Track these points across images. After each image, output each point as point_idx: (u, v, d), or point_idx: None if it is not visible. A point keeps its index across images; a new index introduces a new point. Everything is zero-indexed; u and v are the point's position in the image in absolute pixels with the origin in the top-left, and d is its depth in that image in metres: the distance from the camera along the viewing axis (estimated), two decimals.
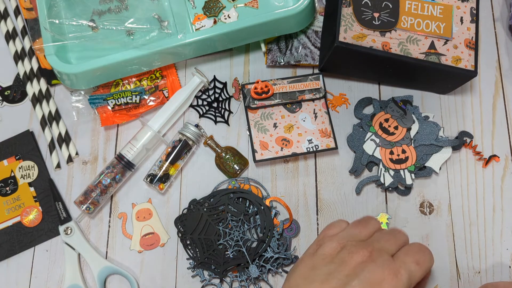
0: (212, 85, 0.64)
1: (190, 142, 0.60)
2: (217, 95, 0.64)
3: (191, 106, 0.63)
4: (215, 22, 0.62)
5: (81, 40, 0.58)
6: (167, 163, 0.59)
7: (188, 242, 0.57)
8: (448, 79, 0.60)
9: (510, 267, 0.57)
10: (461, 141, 0.60)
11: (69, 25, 0.59)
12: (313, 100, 0.62)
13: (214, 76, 0.64)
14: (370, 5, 0.57)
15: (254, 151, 0.59)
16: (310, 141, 0.59)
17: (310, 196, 0.60)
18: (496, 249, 0.57)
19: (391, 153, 0.59)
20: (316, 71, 0.64)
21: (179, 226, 0.57)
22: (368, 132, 0.60)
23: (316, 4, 0.63)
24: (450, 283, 0.56)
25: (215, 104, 0.63)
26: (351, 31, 0.56)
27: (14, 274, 0.58)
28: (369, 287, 0.36)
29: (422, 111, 0.63)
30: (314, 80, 0.61)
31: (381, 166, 0.59)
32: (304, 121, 0.60)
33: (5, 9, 0.68)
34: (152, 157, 0.62)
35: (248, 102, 0.60)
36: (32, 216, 0.60)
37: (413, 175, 0.59)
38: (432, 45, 0.57)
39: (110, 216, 0.60)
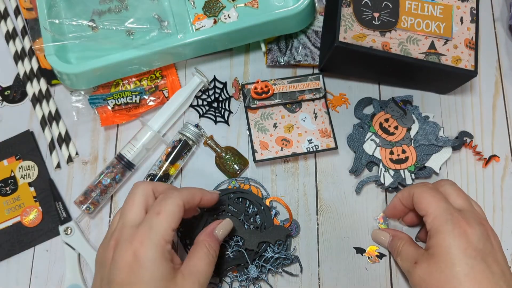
0: (212, 85, 0.64)
1: (190, 142, 0.60)
2: (217, 95, 0.64)
3: (191, 106, 0.63)
4: (215, 22, 0.62)
5: (81, 40, 0.58)
6: (167, 163, 0.59)
7: (188, 242, 0.57)
8: (448, 79, 0.60)
9: (510, 267, 0.57)
10: (461, 141, 0.60)
11: (69, 25, 0.59)
12: (313, 100, 0.62)
13: (214, 76, 0.64)
14: (370, 5, 0.57)
15: (254, 151, 0.59)
16: (310, 141, 0.59)
17: (310, 196, 0.60)
18: None
19: (391, 153, 0.59)
20: (316, 71, 0.64)
21: (179, 226, 0.57)
22: (368, 132, 0.61)
23: (316, 4, 0.63)
24: None
25: (215, 104, 0.63)
26: (351, 31, 0.56)
27: (14, 274, 0.58)
28: (128, 271, 0.41)
29: (422, 111, 0.63)
30: (314, 80, 0.61)
31: (381, 166, 0.59)
32: (304, 121, 0.60)
33: (5, 9, 0.68)
34: (152, 157, 0.62)
35: (248, 102, 0.60)
36: (32, 216, 0.60)
37: (413, 175, 0.59)
38: (432, 45, 0.57)
39: (110, 216, 0.60)
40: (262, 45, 0.64)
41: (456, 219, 0.45)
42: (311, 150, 0.59)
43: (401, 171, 0.59)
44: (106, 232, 0.47)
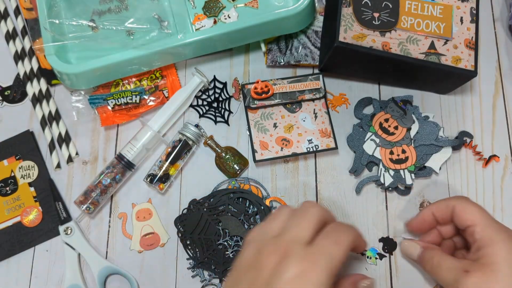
0: (212, 85, 0.64)
1: (190, 142, 0.60)
2: (217, 95, 0.64)
3: (191, 106, 0.63)
4: (215, 22, 0.62)
5: (81, 40, 0.58)
6: (167, 163, 0.59)
7: (188, 242, 0.57)
8: (448, 79, 0.60)
9: None
10: (461, 141, 0.60)
11: (69, 25, 0.59)
12: (313, 100, 0.62)
13: (214, 76, 0.64)
14: (370, 5, 0.57)
15: (254, 151, 0.59)
16: (310, 141, 0.59)
17: (310, 196, 0.60)
18: None
19: (391, 153, 0.59)
20: (316, 71, 0.64)
21: (179, 226, 0.57)
22: (368, 132, 0.61)
23: (316, 4, 0.63)
24: None
25: (215, 104, 0.63)
26: (351, 31, 0.56)
27: (14, 274, 0.58)
28: (290, 285, 0.37)
29: (422, 111, 0.63)
30: (314, 80, 0.61)
31: (381, 166, 0.59)
32: (304, 121, 0.60)
33: (5, 9, 0.68)
34: (152, 157, 0.62)
35: (248, 102, 0.60)
36: (32, 216, 0.60)
37: (413, 175, 0.59)
38: (432, 45, 0.57)
39: (110, 216, 0.60)
40: (262, 45, 0.64)
41: (505, 229, 0.46)
42: (311, 150, 0.59)
43: (401, 171, 0.59)
44: (249, 236, 0.43)
